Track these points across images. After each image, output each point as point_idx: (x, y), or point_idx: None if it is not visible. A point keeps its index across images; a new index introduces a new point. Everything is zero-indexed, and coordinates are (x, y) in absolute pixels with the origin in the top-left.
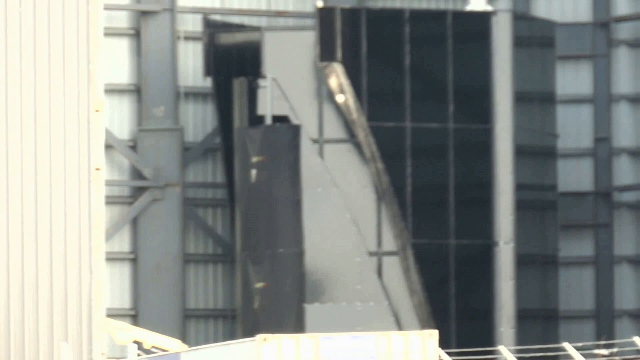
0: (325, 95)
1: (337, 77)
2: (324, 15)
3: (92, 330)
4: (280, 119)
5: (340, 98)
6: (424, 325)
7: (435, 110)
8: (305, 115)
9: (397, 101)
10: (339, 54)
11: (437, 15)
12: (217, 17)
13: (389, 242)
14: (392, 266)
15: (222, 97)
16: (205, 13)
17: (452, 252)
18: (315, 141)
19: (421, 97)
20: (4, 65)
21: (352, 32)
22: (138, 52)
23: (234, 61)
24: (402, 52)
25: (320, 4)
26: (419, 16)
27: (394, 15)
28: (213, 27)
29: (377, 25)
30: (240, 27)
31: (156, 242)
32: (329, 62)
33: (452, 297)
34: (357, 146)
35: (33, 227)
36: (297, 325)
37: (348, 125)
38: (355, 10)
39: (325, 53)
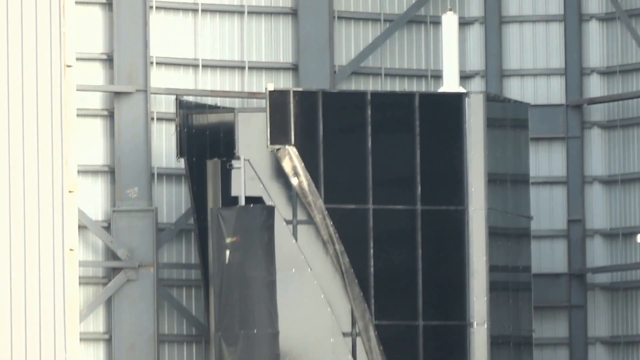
0: None
1: (290, 160)
2: (275, 98)
3: None
4: (254, 200)
5: (294, 181)
6: None
7: (402, 193)
8: (278, 196)
9: (359, 184)
10: (292, 136)
11: (403, 97)
12: (190, 98)
13: None
14: None
15: (195, 178)
16: (178, 94)
17: (420, 333)
18: (288, 222)
19: (387, 180)
20: None
21: (307, 115)
22: (111, 132)
23: (207, 142)
24: (363, 135)
25: (271, 87)
26: (382, 99)
27: (355, 99)
28: (186, 108)
29: (335, 109)
30: (214, 108)
31: (130, 322)
32: (281, 145)
33: None
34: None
35: (7, 307)
36: None
37: (304, 207)
38: (310, 92)
39: (276, 136)
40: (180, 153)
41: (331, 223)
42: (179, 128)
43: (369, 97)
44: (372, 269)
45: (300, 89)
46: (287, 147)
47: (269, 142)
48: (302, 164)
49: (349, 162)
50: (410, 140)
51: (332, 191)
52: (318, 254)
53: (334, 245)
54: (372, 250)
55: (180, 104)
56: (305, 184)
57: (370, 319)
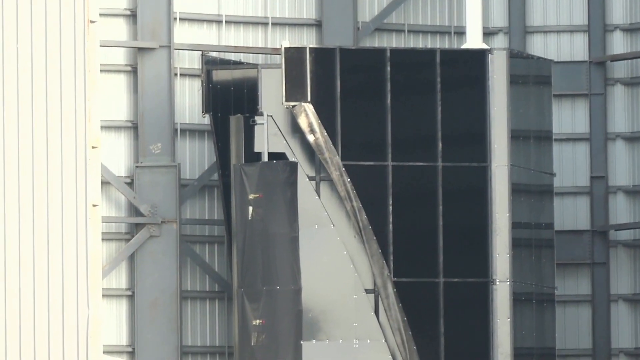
0: None
1: (306, 117)
2: (291, 55)
3: None
4: (277, 156)
5: (310, 138)
6: None
7: (423, 150)
8: (301, 152)
9: (378, 141)
10: (308, 93)
11: (424, 54)
12: (214, 54)
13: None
14: None
15: (220, 134)
16: (202, 50)
17: (441, 290)
18: (311, 178)
19: (407, 136)
20: (0, 101)
21: (325, 72)
22: (135, 88)
23: (231, 98)
24: (383, 92)
25: (286, 44)
26: (402, 56)
27: (375, 56)
28: (211, 64)
29: (353, 66)
30: (238, 64)
31: (153, 278)
32: (297, 102)
33: (442, 335)
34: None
35: (30, 263)
36: None
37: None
38: (327, 49)
39: (292, 93)
40: (206, 109)
41: (348, 180)
42: (204, 84)
43: (388, 53)
44: (391, 226)
45: (316, 46)
46: (303, 103)
47: (284, 99)
48: (319, 121)
49: (368, 119)
50: (432, 97)
51: (350, 148)
52: (340, 210)
53: (352, 202)
54: (391, 207)
55: (206, 60)
56: (321, 141)
57: (389, 276)
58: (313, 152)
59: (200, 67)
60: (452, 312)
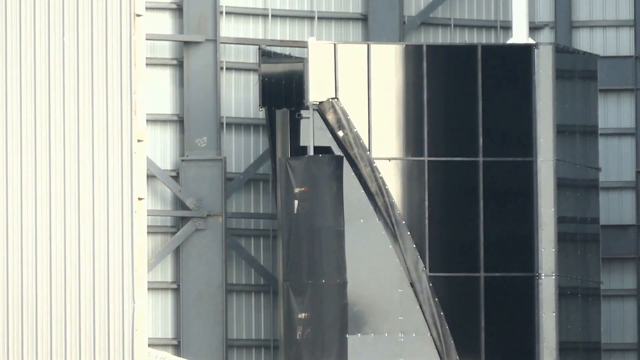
0: None
1: (334, 113)
2: (317, 52)
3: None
4: (323, 150)
5: (339, 134)
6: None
7: (464, 145)
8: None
9: (415, 135)
10: (335, 90)
11: (464, 50)
12: (268, 48)
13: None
14: None
15: (273, 127)
16: (247, 43)
17: (482, 285)
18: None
19: (446, 131)
20: (46, 94)
21: (355, 67)
22: (181, 82)
23: (282, 92)
24: (419, 87)
25: (312, 40)
26: (441, 52)
27: (410, 52)
28: (267, 57)
29: (387, 62)
30: (290, 58)
31: (198, 272)
32: (325, 99)
33: (482, 330)
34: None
35: (76, 256)
36: (340, 355)
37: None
38: (356, 45)
39: (319, 89)
40: (263, 102)
41: (380, 175)
42: (260, 77)
43: (424, 49)
44: (427, 221)
45: (344, 42)
46: (331, 99)
47: (309, 97)
48: (347, 117)
49: (404, 115)
50: (473, 92)
51: (384, 144)
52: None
53: (384, 197)
54: (427, 203)
55: (262, 53)
56: (350, 137)
57: (424, 271)
58: None
59: (257, 61)
60: (494, 306)
